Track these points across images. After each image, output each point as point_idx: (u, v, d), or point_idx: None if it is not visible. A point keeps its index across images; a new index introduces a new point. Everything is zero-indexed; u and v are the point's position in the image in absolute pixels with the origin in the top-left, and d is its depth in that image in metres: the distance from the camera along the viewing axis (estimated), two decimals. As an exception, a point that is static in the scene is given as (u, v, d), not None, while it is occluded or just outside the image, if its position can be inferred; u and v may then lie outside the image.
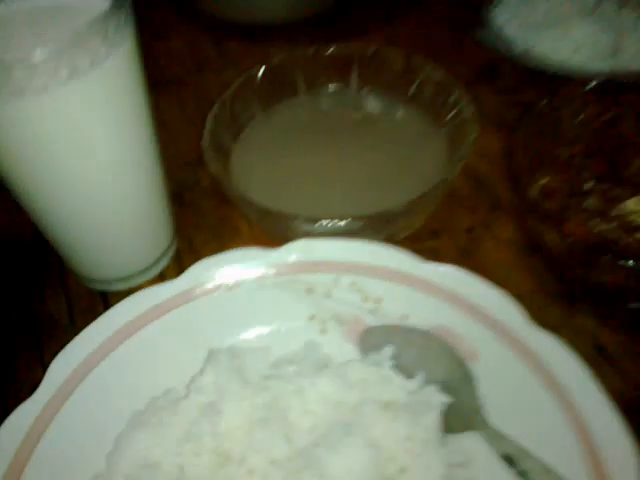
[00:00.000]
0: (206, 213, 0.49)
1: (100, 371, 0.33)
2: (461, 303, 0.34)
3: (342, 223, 0.37)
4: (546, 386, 0.31)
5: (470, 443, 0.32)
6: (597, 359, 0.39)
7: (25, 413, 0.31)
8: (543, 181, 0.44)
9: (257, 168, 0.45)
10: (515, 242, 0.46)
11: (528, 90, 0.56)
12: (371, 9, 0.70)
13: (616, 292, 0.40)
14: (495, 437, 0.31)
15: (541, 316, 0.41)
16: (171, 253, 0.46)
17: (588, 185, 0.43)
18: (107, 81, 0.30)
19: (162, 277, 0.45)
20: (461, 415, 0.32)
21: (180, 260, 0.46)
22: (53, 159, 0.32)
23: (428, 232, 0.47)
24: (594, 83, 0.46)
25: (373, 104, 0.48)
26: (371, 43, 0.51)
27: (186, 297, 0.35)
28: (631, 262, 0.38)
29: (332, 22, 0.68)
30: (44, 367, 0.33)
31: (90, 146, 0.33)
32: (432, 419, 0.32)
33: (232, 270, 0.37)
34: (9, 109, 0.28)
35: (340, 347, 0.36)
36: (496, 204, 0.48)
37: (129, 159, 0.36)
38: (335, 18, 0.68)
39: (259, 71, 0.47)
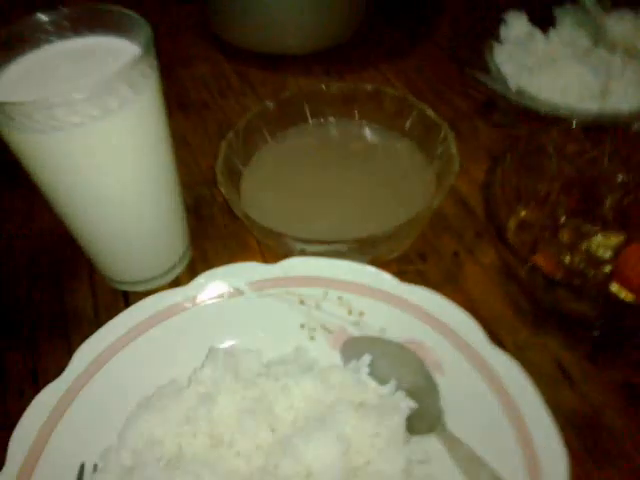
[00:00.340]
0: (219, 227, 0.55)
1: (116, 361, 0.39)
2: (432, 321, 0.39)
3: (332, 246, 0.42)
4: (498, 398, 0.35)
5: (430, 444, 0.37)
6: (558, 378, 0.43)
7: (52, 392, 0.36)
8: (522, 213, 0.49)
9: (265, 190, 0.50)
10: (495, 267, 0.50)
11: (521, 125, 0.60)
12: (382, 43, 0.76)
13: (580, 320, 0.44)
14: (451, 441, 0.36)
15: (512, 336, 0.45)
16: (186, 261, 0.52)
17: (562, 220, 0.47)
18: (133, 120, 0.36)
19: (177, 282, 0.51)
20: (424, 419, 0.37)
21: (194, 268, 0.52)
22: (86, 183, 0.38)
23: (417, 254, 0.51)
24: (575, 123, 0.50)
25: (372, 136, 0.53)
26: (372, 82, 0.57)
27: (193, 302, 0.41)
28: (594, 294, 0.42)
29: (346, 54, 0.73)
30: (70, 353, 0.38)
31: (117, 172, 0.39)
32: (397, 420, 0.36)
33: (235, 280, 0.42)
34: (51, 141, 0.34)
35: (325, 353, 0.41)
36: (481, 231, 0.53)
37: (150, 182, 0.42)
38: (349, 50, 0.74)
39: (271, 103, 0.52)
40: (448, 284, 0.49)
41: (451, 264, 0.51)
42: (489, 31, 0.68)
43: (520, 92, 0.60)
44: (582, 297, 0.40)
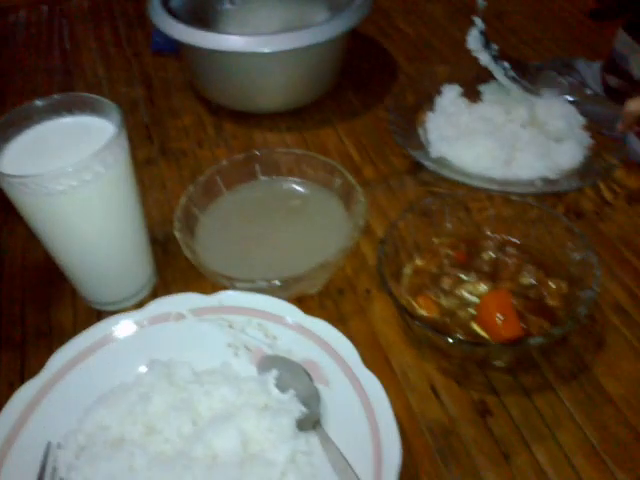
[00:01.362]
0: (181, 260, 0.67)
1: (82, 366, 0.51)
2: (324, 346, 0.50)
3: (256, 284, 0.54)
4: (361, 403, 0.46)
5: (313, 440, 0.48)
6: (429, 394, 0.54)
7: (29, 387, 0.48)
8: (417, 262, 0.60)
9: (215, 235, 0.62)
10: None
11: (441, 185, 0.72)
12: (341, 105, 0.88)
13: (448, 349, 0.55)
14: (325, 439, 0.47)
15: (399, 359, 0.57)
16: (150, 287, 0.64)
17: (447, 269, 0.59)
18: (103, 188, 0.49)
19: (141, 304, 0.62)
20: (309, 420, 0.48)
21: (156, 293, 0.64)
22: (69, 231, 0.52)
23: (336, 290, 0.63)
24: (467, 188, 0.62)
25: (308, 192, 0.66)
26: (327, 139, 0.71)
27: (143, 323, 0.53)
28: (458, 336, 0.53)
29: (308, 113, 0.86)
30: (49, 359, 0.51)
31: (92, 226, 0.52)
32: (288, 420, 0.47)
33: (180, 307, 0.54)
34: (41, 203, 0.47)
35: (245, 367, 0.53)
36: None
37: (119, 230, 0.55)
38: (312, 110, 0.86)
39: (226, 162, 0.65)
40: (357, 316, 0.60)
41: (363, 299, 0.62)
42: (428, 100, 0.81)
43: (439, 159, 0.72)
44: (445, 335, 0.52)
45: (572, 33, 1.19)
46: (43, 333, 0.61)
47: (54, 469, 0.46)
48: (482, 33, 0.72)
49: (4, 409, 0.47)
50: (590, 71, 1.01)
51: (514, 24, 1.15)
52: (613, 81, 0.95)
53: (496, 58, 0.72)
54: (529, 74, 0.76)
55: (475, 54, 0.72)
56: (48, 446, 0.47)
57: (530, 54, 1.07)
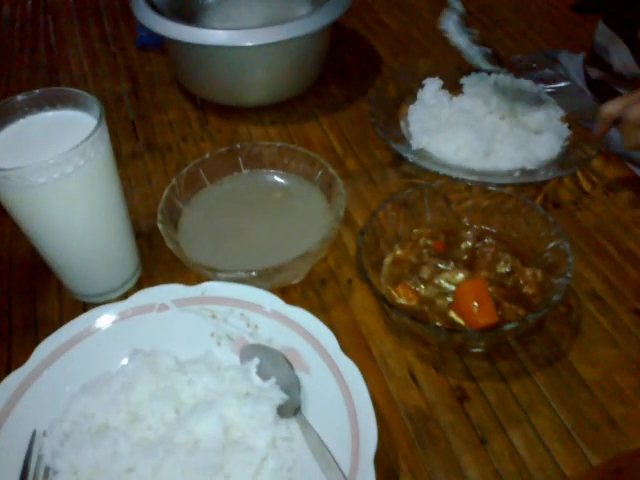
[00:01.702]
0: (165, 252, 0.67)
1: (67, 356, 0.52)
2: (304, 334, 0.52)
3: (237, 274, 0.55)
4: (340, 390, 0.47)
5: (293, 426, 0.49)
6: (408, 381, 0.55)
7: (14, 378, 0.49)
8: (398, 252, 0.61)
9: (198, 227, 0.63)
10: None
11: (423, 177, 0.73)
12: (324, 99, 0.89)
13: (426, 336, 0.56)
14: (305, 424, 0.48)
15: (379, 347, 0.58)
16: (135, 279, 0.65)
17: (426, 258, 0.60)
18: (84, 180, 0.50)
19: (126, 296, 0.63)
20: (290, 407, 0.49)
21: (141, 285, 0.65)
22: (52, 224, 0.52)
23: (318, 280, 0.64)
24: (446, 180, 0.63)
25: (290, 185, 0.67)
26: (310, 131, 0.73)
27: (126, 314, 0.54)
28: (436, 323, 0.55)
29: (292, 106, 0.87)
30: (34, 350, 0.52)
31: (74, 217, 0.52)
32: (269, 407, 0.49)
33: (163, 298, 0.55)
34: (23, 196, 0.48)
35: (228, 356, 0.54)
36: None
37: (102, 222, 0.56)
38: (296, 103, 0.87)
39: (209, 156, 0.66)
40: (339, 305, 0.61)
41: (345, 289, 0.63)
42: (410, 93, 0.82)
43: (420, 151, 0.73)
44: (418, 321, 0.53)
45: (556, 26, 1.20)
46: (29, 325, 0.62)
47: (39, 457, 0.47)
48: (461, 16, 0.72)
49: (-11, 401, 0.48)
50: (573, 63, 1.03)
51: (499, 17, 1.16)
52: (595, 73, 0.96)
53: (476, 42, 0.73)
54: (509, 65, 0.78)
55: (447, 37, 0.72)
56: (33, 434, 0.48)
57: (514, 47, 1.09)
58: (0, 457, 0.46)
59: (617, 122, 0.65)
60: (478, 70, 0.80)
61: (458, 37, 0.71)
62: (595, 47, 0.94)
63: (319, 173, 0.65)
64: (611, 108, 0.65)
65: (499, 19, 1.16)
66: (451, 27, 0.71)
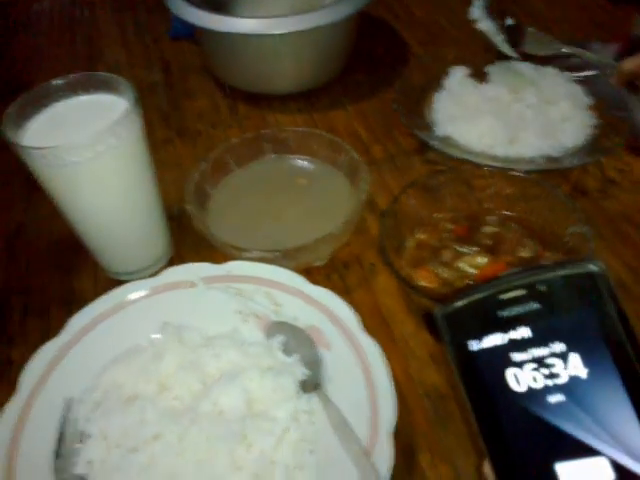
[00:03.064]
0: (194, 234, 0.70)
1: (100, 327, 0.54)
2: (326, 311, 0.53)
3: (263, 253, 0.57)
4: (361, 367, 0.49)
5: (315, 400, 0.50)
6: (428, 361, 0.56)
7: (51, 346, 0.52)
8: (420, 236, 0.62)
9: (226, 209, 0.65)
10: (400, 277, 0.64)
11: (447, 163, 0.74)
12: (351, 87, 0.90)
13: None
14: (325, 399, 0.50)
15: (401, 329, 0.59)
16: (166, 258, 0.67)
17: (447, 242, 0.60)
18: (118, 161, 0.52)
19: (157, 274, 0.66)
20: (311, 383, 0.51)
21: (172, 263, 0.67)
22: (86, 201, 0.55)
23: (342, 263, 0.65)
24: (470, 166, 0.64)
25: (314, 169, 0.68)
26: (336, 120, 0.74)
27: (156, 290, 0.56)
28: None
29: (319, 94, 0.88)
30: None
31: (107, 196, 0.55)
32: (291, 381, 0.50)
33: (191, 275, 0.57)
34: (59, 174, 0.51)
35: (253, 333, 0.56)
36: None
37: (135, 201, 0.58)
38: (323, 91, 0.89)
39: (237, 140, 0.67)
40: (361, 288, 0.63)
41: (367, 272, 0.64)
42: (436, 81, 0.82)
43: (445, 138, 0.73)
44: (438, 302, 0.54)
45: (589, 15, 1.18)
46: (67, 300, 0.65)
47: (74, 421, 0.50)
48: (487, 5, 0.73)
49: (27, 366, 0.51)
50: (606, 52, 1.01)
51: (530, 7, 1.15)
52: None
53: (504, 29, 0.73)
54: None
55: (478, 25, 0.73)
56: (70, 400, 0.51)
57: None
58: (38, 421, 0.49)
59: (634, 84, 0.66)
60: (505, 58, 0.79)
61: (486, 22, 0.71)
62: (633, 39, 0.93)
63: (343, 158, 0.66)
64: (630, 64, 0.65)
65: (530, 9, 1.15)
66: (479, 13, 0.71)
